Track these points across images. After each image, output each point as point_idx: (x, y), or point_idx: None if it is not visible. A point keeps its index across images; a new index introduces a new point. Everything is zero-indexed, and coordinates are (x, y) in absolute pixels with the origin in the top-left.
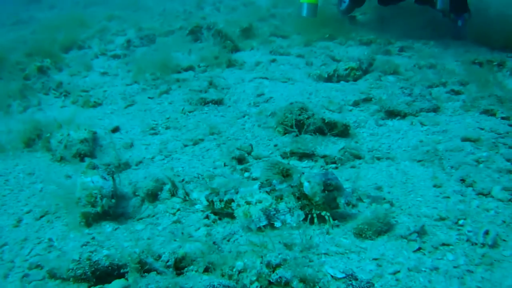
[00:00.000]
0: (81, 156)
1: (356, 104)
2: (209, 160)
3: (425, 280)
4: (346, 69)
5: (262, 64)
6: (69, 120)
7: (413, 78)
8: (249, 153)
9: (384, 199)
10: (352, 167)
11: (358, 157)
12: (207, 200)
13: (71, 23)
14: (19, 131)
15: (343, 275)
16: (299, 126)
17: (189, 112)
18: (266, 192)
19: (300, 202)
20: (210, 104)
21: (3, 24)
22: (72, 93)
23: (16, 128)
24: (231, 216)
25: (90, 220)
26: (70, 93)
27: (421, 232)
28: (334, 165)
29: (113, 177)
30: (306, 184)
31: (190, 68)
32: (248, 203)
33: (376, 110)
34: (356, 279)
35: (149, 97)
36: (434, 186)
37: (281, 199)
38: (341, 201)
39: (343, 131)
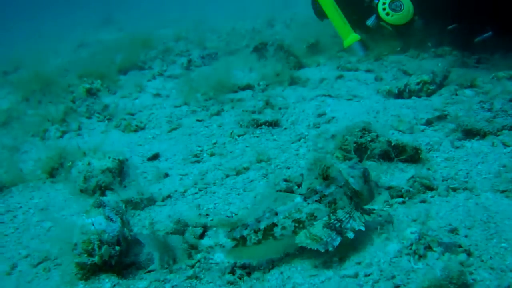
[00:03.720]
0: (101, 189)
1: (429, 123)
2: (250, 194)
3: None
4: (418, 83)
5: (327, 80)
6: (97, 147)
7: (492, 91)
8: (299, 185)
9: (460, 246)
10: (423, 201)
11: (430, 188)
12: (234, 239)
13: (134, 44)
14: (44, 160)
15: None
16: (361, 151)
17: (238, 136)
18: (316, 201)
19: (353, 202)
20: (264, 126)
21: (66, 47)
22: (116, 117)
23: (46, 155)
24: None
25: (87, 272)
26: (113, 117)
27: None
28: (400, 199)
29: (122, 219)
30: (351, 180)
31: (248, 87)
32: (298, 221)
33: (452, 129)
34: None
35: (197, 120)
36: None
37: (335, 203)
38: None
39: (413, 156)
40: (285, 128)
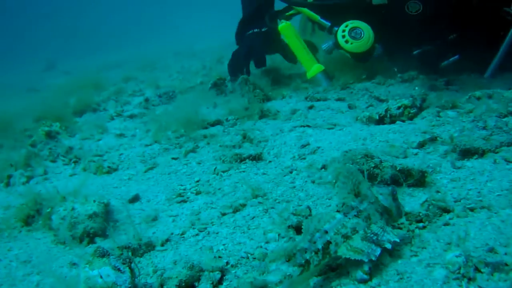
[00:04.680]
0: (90, 236)
1: (421, 146)
2: (257, 231)
3: None
4: (399, 107)
5: (300, 111)
6: (76, 190)
7: (477, 109)
8: (307, 218)
9: (507, 264)
10: (446, 224)
11: (447, 211)
12: (300, 265)
13: (85, 86)
14: (17, 207)
15: None
16: (370, 177)
17: (223, 172)
18: (355, 216)
19: (383, 218)
20: (247, 160)
21: (15, 93)
22: (83, 159)
23: (16, 202)
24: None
25: None
26: (80, 159)
27: None
28: (421, 224)
29: (130, 267)
30: (380, 197)
31: (217, 123)
32: (345, 236)
33: (446, 150)
34: None
35: (173, 158)
36: None
37: (370, 219)
38: None
39: (419, 180)
40: (270, 161)
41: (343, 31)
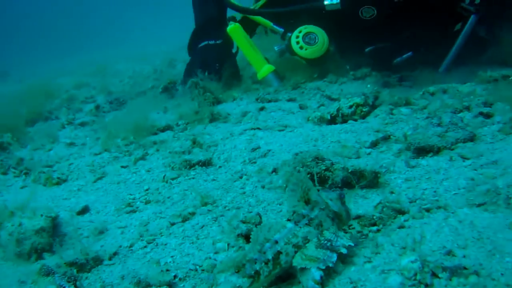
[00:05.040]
0: (38, 252)
1: (374, 145)
2: (206, 241)
3: None
4: (350, 106)
5: (251, 113)
6: (24, 204)
7: (430, 106)
8: (257, 226)
9: (465, 268)
10: (401, 227)
11: (402, 212)
12: (250, 276)
13: (37, 94)
14: None
15: None
16: (317, 181)
17: (172, 179)
18: (306, 224)
19: (335, 223)
20: (197, 166)
21: None
22: (33, 170)
23: None
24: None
25: None
26: (31, 170)
27: None
28: (375, 228)
29: (75, 286)
30: (330, 202)
31: (168, 128)
32: (296, 246)
33: (399, 149)
34: None
35: (122, 166)
36: None
37: (321, 225)
38: None
39: (372, 181)
40: (220, 167)
41: (297, 37)
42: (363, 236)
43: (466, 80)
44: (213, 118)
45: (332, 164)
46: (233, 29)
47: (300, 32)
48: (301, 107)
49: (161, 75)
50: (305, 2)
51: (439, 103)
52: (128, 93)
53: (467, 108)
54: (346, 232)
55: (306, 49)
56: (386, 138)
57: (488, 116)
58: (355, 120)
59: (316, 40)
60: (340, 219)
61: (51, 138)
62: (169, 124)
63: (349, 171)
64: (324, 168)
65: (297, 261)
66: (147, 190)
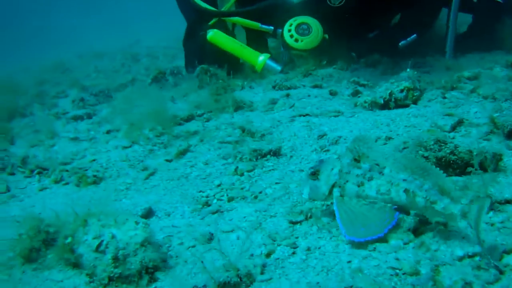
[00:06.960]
0: (149, 273)
1: (453, 128)
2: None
3: None
4: (402, 91)
5: (281, 100)
6: (90, 209)
7: (481, 90)
8: None
9: None
10: None
11: None
12: None
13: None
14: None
15: None
16: (443, 167)
17: (248, 171)
18: None
19: None
20: (269, 156)
21: None
22: (51, 169)
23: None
24: None
25: None
26: (47, 169)
27: None
28: None
29: None
30: None
31: (191, 118)
32: None
33: (485, 132)
34: None
35: (166, 160)
36: None
37: None
38: None
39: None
40: (291, 156)
41: (289, 30)
42: None
43: (478, 66)
44: (238, 107)
45: (456, 146)
46: (213, 36)
47: (291, 25)
48: (331, 93)
49: (130, 68)
50: None
51: (493, 87)
52: (107, 86)
53: None
54: None
55: (302, 41)
56: (461, 122)
57: None
58: (407, 105)
59: (310, 30)
60: None
61: (49, 133)
62: (192, 114)
63: (475, 154)
64: (449, 151)
65: None
66: (219, 185)
